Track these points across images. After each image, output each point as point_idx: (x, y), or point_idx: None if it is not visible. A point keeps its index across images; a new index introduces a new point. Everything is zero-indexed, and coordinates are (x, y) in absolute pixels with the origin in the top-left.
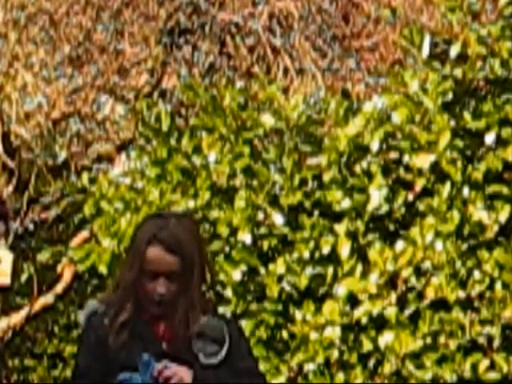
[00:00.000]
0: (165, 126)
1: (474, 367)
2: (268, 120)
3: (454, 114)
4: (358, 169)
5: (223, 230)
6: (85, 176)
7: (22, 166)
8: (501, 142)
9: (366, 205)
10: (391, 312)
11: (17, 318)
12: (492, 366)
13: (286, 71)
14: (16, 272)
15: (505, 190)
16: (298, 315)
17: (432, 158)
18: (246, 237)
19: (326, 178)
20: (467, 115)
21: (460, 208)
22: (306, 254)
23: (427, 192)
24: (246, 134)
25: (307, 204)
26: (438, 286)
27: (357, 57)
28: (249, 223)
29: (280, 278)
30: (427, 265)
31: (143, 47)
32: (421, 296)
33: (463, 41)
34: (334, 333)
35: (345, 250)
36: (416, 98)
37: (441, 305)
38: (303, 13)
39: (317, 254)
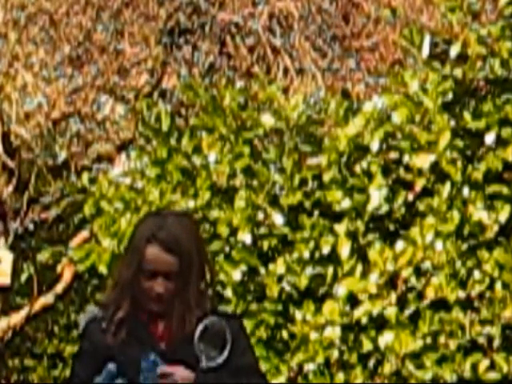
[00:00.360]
0: (165, 126)
1: (474, 367)
2: (268, 120)
3: (454, 113)
4: (358, 169)
5: (223, 230)
6: (85, 176)
7: (22, 166)
8: (501, 142)
9: (366, 205)
10: (391, 312)
11: (17, 317)
12: (492, 366)
13: (286, 71)
14: (16, 272)
15: (505, 190)
16: (298, 315)
17: (432, 158)
18: (246, 237)
19: (326, 178)
20: (467, 115)
21: (460, 208)
22: (306, 254)
23: (427, 192)
24: (246, 133)
25: (307, 204)
26: (438, 285)
27: (357, 57)
28: (249, 223)
29: (280, 278)
30: (427, 265)
31: (143, 47)
32: (421, 296)
33: (463, 41)
34: (333, 333)
35: (345, 250)
36: (416, 98)
37: (441, 305)
38: (303, 13)
39: (317, 254)
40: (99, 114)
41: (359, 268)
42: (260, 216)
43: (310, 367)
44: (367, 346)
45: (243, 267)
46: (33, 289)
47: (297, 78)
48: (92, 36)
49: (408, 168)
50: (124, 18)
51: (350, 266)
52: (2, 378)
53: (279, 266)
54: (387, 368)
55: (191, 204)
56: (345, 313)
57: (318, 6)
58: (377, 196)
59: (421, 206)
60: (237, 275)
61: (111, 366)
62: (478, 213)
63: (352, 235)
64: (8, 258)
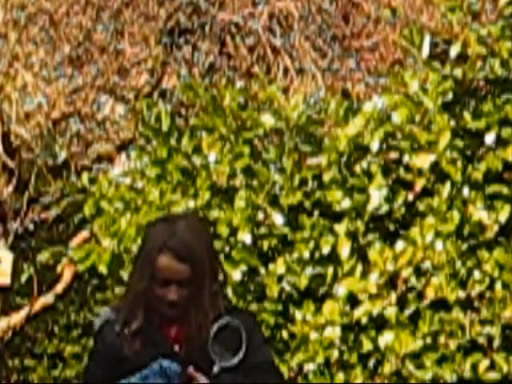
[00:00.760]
0: (165, 126)
1: (474, 367)
2: (268, 120)
3: (454, 113)
4: (358, 169)
5: (223, 230)
6: (85, 176)
7: (22, 166)
8: (501, 142)
9: (366, 205)
10: (391, 312)
11: (17, 317)
12: (492, 366)
13: (286, 71)
14: (16, 272)
15: (505, 190)
16: (298, 315)
17: (432, 158)
18: (246, 237)
19: (326, 178)
20: (467, 115)
21: (460, 208)
22: (306, 254)
23: (427, 192)
24: (246, 133)
25: (307, 204)
26: (438, 285)
27: (357, 57)
28: (249, 223)
29: (280, 278)
30: (427, 265)
31: (143, 47)
32: (421, 296)
33: (463, 41)
34: (333, 333)
35: (345, 250)
36: (416, 98)
37: (441, 305)
38: (303, 13)
39: (317, 254)
40: (99, 114)
41: (359, 268)
42: (260, 216)
43: (309, 367)
44: (367, 345)
45: (243, 267)
46: (33, 289)
47: (297, 78)
48: (92, 36)
49: (408, 168)
50: (124, 18)
51: (350, 266)
52: (2, 378)
53: (279, 266)
54: (387, 368)
55: (191, 204)
56: (345, 313)
57: (318, 6)
58: (377, 196)
59: (421, 206)
60: (237, 275)
61: (165, 362)
62: (478, 213)
63: (352, 235)
64: (8, 258)
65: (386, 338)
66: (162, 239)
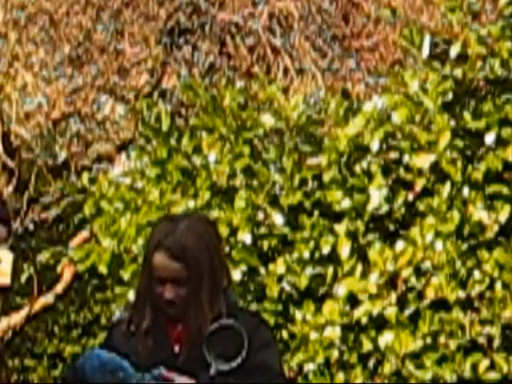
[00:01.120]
0: (165, 126)
1: (474, 367)
2: (268, 120)
3: (454, 113)
4: (358, 169)
5: (223, 230)
6: (85, 176)
7: (22, 166)
8: (501, 142)
9: (366, 205)
10: (391, 312)
11: (17, 317)
12: (492, 366)
13: (286, 71)
14: (16, 272)
15: (505, 190)
16: (298, 315)
17: (432, 157)
18: (246, 237)
19: (326, 178)
20: (467, 115)
21: (460, 208)
22: (306, 254)
23: (427, 192)
24: (245, 133)
25: (307, 204)
26: (438, 286)
27: (357, 57)
28: (249, 223)
29: (280, 278)
30: (427, 265)
31: (143, 47)
32: (421, 296)
33: (463, 41)
34: (334, 333)
35: (345, 250)
36: (416, 98)
37: (441, 305)
38: (303, 13)
39: (317, 254)
40: (99, 114)
41: (359, 268)
42: (260, 216)
43: (310, 367)
44: (367, 346)
45: (243, 267)
46: (33, 289)
47: (297, 78)
48: (92, 36)
49: (408, 168)
50: (124, 18)
51: (350, 266)
52: (2, 378)
53: (279, 266)
54: (387, 368)
55: (191, 204)
56: (345, 313)
57: (318, 6)
58: (377, 196)
59: (421, 206)
60: (237, 275)
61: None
62: (478, 213)
63: (352, 235)
64: (8, 258)
65: (386, 338)
66: (158, 238)
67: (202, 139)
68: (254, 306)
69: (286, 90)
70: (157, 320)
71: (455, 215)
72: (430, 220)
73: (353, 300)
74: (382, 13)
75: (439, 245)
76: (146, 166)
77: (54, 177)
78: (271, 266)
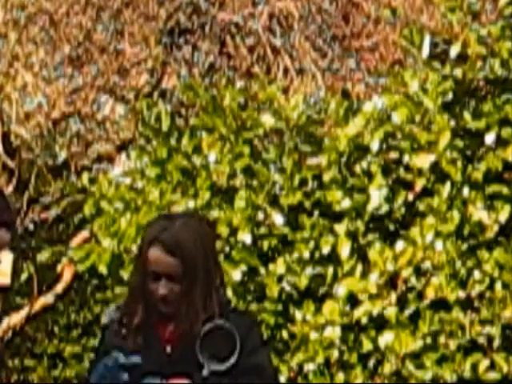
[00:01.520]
0: (165, 126)
1: (474, 367)
2: (268, 120)
3: (454, 113)
4: (358, 169)
5: (223, 230)
6: (85, 176)
7: (22, 166)
8: (501, 142)
9: (366, 205)
10: (391, 312)
11: (17, 317)
12: (492, 366)
13: (286, 71)
14: (16, 272)
15: (505, 190)
16: (298, 315)
17: (432, 158)
18: (246, 237)
19: (326, 177)
20: (467, 115)
21: (460, 208)
22: (306, 254)
23: (427, 192)
24: (246, 133)
25: (307, 204)
26: (438, 286)
27: (357, 57)
28: (249, 223)
29: (280, 278)
30: (427, 265)
31: (143, 47)
32: (421, 296)
33: (463, 41)
34: (334, 333)
35: (345, 250)
36: (416, 98)
37: (441, 305)
38: (303, 13)
39: (317, 254)
40: (99, 114)
41: (359, 268)
42: (260, 216)
43: (309, 367)
44: (367, 346)
45: (243, 267)
46: (33, 289)
47: (297, 78)
48: (92, 36)
49: (408, 168)
50: (124, 18)
51: (350, 266)
52: (2, 378)
53: (279, 266)
54: (387, 368)
55: (191, 204)
56: (345, 313)
57: (318, 6)
58: (377, 196)
59: (421, 206)
60: (237, 275)
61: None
62: (478, 213)
63: (352, 235)
64: (8, 258)
65: (386, 338)
66: (154, 233)
67: (201, 139)
68: (253, 306)
69: (286, 90)
70: (148, 319)
71: (455, 215)
72: (430, 220)
73: (353, 300)
74: (382, 13)
75: (439, 245)
76: (146, 166)
77: (54, 177)
78: (271, 266)
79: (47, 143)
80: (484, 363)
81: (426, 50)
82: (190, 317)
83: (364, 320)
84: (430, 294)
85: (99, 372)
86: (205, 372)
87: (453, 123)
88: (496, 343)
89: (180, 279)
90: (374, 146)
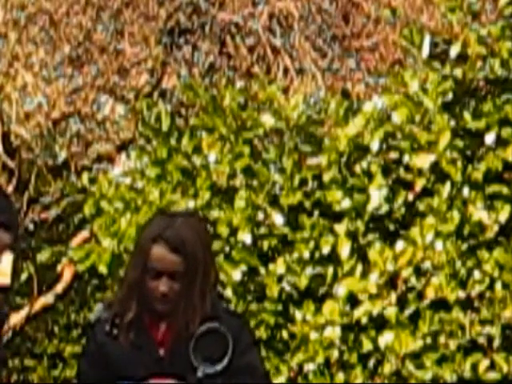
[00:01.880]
0: (165, 126)
1: (474, 367)
2: (268, 120)
3: (454, 113)
4: (358, 169)
5: (223, 230)
6: (85, 176)
7: (22, 166)
8: (501, 142)
9: (366, 205)
10: (391, 312)
11: (17, 317)
12: (492, 366)
13: (286, 71)
14: (16, 272)
15: (505, 190)
16: (298, 315)
17: (432, 158)
18: (246, 237)
19: (326, 177)
20: (467, 115)
21: (460, 208)
22: (306, 254)
23: (427, 192)
24: (246, 133)
25: (307, 204)
26: (438, 286)
27: (357, 57)
28: (249, 223)
29: (280, 278)
30: (427, 265)
31: (143, 47)
32: (421, 296)
33: (463, 41)
34: (334, 333)
35: (345, 250)
36: (416, 98)
37: (441, 305)
38: (303, 13)
39: (317, 254)
40: (99, 114)
41: (359, 268)
42: (260, 216)
43: (309, 367)
44: (367, 345)
45: (243, 267)
46: (33, 289)
47: (297, 78)
48: (92, 36)
49: (408, 168)
50: (124, 18)
51: (350, 266)
52: (3, 378)
53: (279, 266)
54: (387, 368)
55: (191, 204)
56: (345, 313)
57: (318, 6)
58: (377, 196)
59: (421, 206)
60: (237, 275)
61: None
62: (478, 213)
63: (352, 235)
64: (8, 258)
65: (386, 338)
66: (157, 230)
67: (202, 139)
68: (253, 306)
69: (286, 90)
70: (140, 318)
71: (455, 215)
72: (430, 220)
73: (353, 300)
74: (382, 13)
75: (439, 245)
76: (146, 166)
77: (54, 177)
78: (271, 266)
79: (47, 143)
80: (484, 363)
81: (426, 50)
82: (187, 315)
83: (364, 320)
84: (430, 294)
85: None
86: (199, 374)
87: (453, 123)
88: (496, 343)
89: (180, 277)
90: (374, 146)
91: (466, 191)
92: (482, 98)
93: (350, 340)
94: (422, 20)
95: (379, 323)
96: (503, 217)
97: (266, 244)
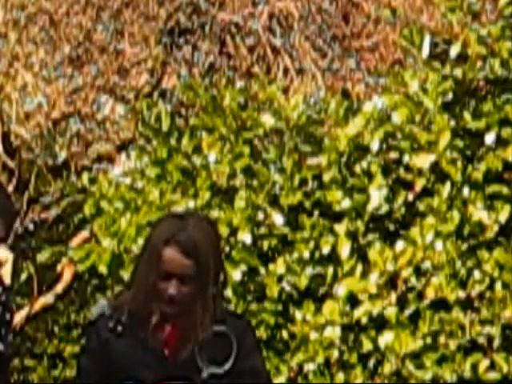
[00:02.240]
0: (165, 126)
1: (474, 367)
2: (268, 120)
3: (454, 113)
4: (358, 169)
5: (223, 230)
6: (85, 176)
7: (22, 166)
8: (501, 142)
9: (366, 205)
10: (391, 312)
11: (17, 318)
12: (492, 366)
13: (286, 71)
14: (16, 272)
15: (505, 190)
16: (298, 315)
17: (432, 158)
18: (246, 237)
19: (326, 177)
20: (467, 115)
21: (460, 208)
22: (306, 254)
23: (427, 192)
24: (245, 133)
25: (307, 204)
26: (438, 286)
27: (357, 57)
28: (249, 223)
29: (280, 278)
30: (427, 265)
31: (143, 47)
32: (421, 296)
33: (463, 41)
34: (334, 333)
35: (345, 250)
36: (416, 98)
37: (441, 305)
38: (303, 13)
39: (317, 254)
40: (99, 114)
41: (359, 268)
42: (260, 216)
43: (309, 367)
44: (367, 345)
45: (243, 267)
46: (33, 289)
47: (297, 78)
48: (92, 36)
49: (408, 168)
50: (124, 18)
51: (350, 266)
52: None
53: (279, 266)
54: (387, 368)
55: (191, 204)
56: (345, 313)
57: (318, 6)
58: (377, 196)
59: (421, 206)
60: (237, 275)
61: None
62: (478, 213)
63: (352, 235)
64: (8, 258)
65: (386, 338)
66: (170, 232)
67: (202, 139)
68: (253, 306)
69: (285, 90)
70: (147, 319)
71: (455, 215)
72: (430, 220)
73: (353, 300)
74: (382, 13)
75: (439, 245)
76: (146, 166)
77: (54, 177)
78: (271, 266)
79: (47, 143)
80: (484, 363)
81: (426, 50)
82: (199, 318)
83: (364, 320)
84: (430, 294)
85: None
86: (204, 375)
87: (453, 123)
88: (496, 343)
89: (190, 281)
90: (374, 146)
91: (466, 191)
92: (482, 98)
93: (350, 340)
94: (422, 20)
95: (379, 323)
96: (503, 217)
97: (266, 244)
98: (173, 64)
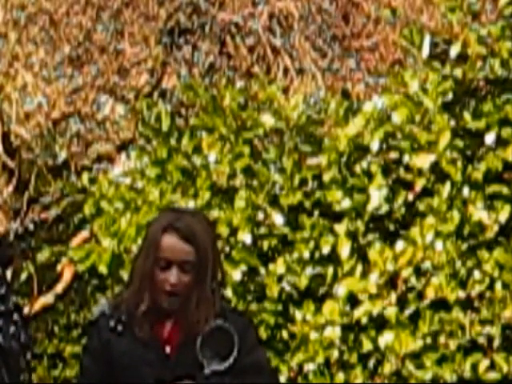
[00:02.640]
0: (165, 126)
1: (474, 367)
2: (268, 120)
3: (454, 113)
4: (358, 169)
5: (223, 230)
6: (85, 176)
7: (22, 166)
8: (501, 142)
9: (366, 205)
10: (391, 312)
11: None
12: (492, 366)
13: (286, 71)
14: (16, 272)
15: (505, 190)
16: (298, 315)
17: (432, 158)
18: (246, 237)
19: (326, 177)
20: (467, 115)
21: (460, 208)
22: (306, 254)
23: (427, 192)
24: (245, 133)
25: (307, 204)
26: (438, 286)
27: (357, 57)
28: (249, 223)
29: (280, 278)
30: (427, 265)
31: (143, 47)
32: (421, 296)
33: (463, 41)
34: (334, 333)
35: (345, 250)
36: (416, 98)
37: (441, 305)
38: (303, 13)
39: (317, 254)
40: (99, 114)
41: (359, 268)
42: (260, 216)
43: (309, 367)
44: (367, 345)
45: (243, 267)
46: (33, 289)
47: (297, 78)
48: (92, 36)
49: (408, 168)
50: (124, 18)
51: (350, 266)
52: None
53: (279, 266)
54: (387, 368)
55: (191, 204)
56: (345, 313)
57: (318, 6)
58: (377, 196)
59: (421, 206)
60: (237, 275)
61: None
62: (478, 213)
63: (352, 235)
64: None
65: (386, 338)
66: (168, 221)
67: (202, 139)
68: (254, 306)
69: (285, 90)
70: (147, 316)
71: (455, 215)
72: (430, 220)
73: (353, 300)
74: (382, 13)
75: (439, 245)
76: (146, 166)
77: (54, 177)
78: (271, 266)
79: (47, 143)
80: (484, 363)
81: (426, 50)
82: (199, 312)
83: (364, 320)
84: (430, 294)
85: None
86: (207, 371)
87: (453, 123)
88: (496, 343)
89: (191, 269)
90: (374, 146)
91: (466, 191)
92: (482, 98)
93: (350, 340)
94: (422, 20)
95: (379, 323)
96: (503, 217)
97: (266, 244)
98: (173, 64)
